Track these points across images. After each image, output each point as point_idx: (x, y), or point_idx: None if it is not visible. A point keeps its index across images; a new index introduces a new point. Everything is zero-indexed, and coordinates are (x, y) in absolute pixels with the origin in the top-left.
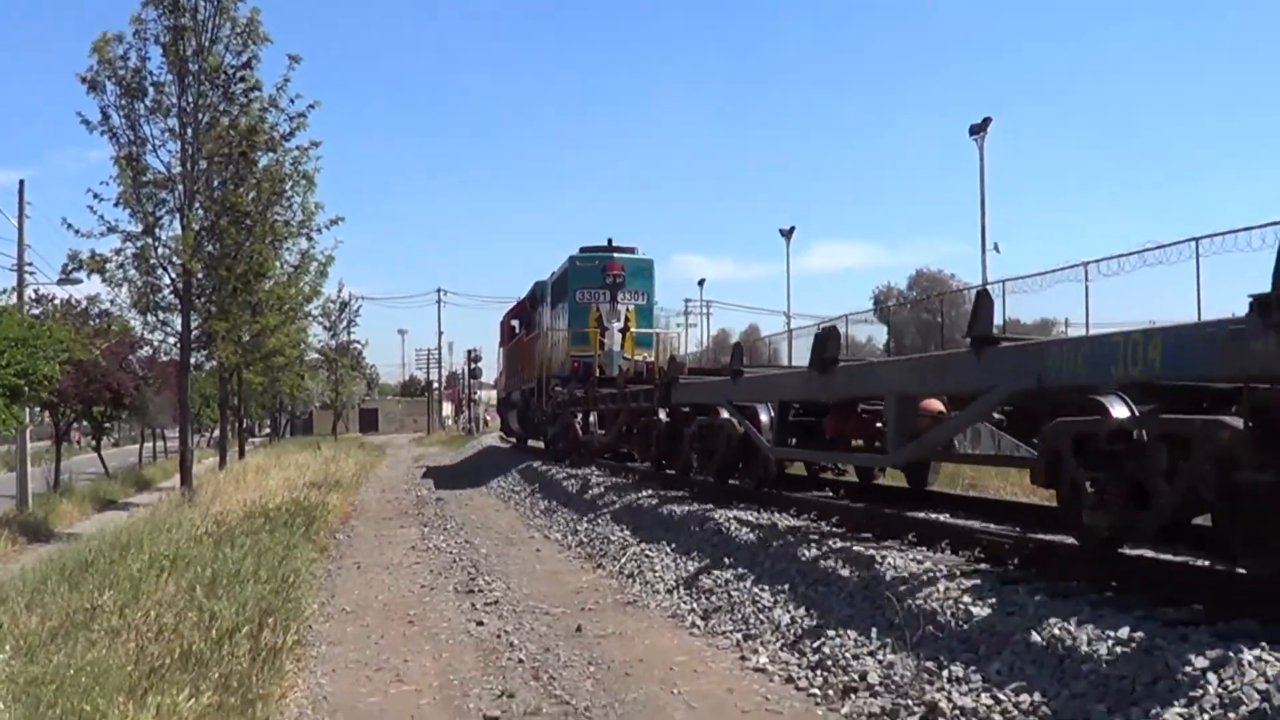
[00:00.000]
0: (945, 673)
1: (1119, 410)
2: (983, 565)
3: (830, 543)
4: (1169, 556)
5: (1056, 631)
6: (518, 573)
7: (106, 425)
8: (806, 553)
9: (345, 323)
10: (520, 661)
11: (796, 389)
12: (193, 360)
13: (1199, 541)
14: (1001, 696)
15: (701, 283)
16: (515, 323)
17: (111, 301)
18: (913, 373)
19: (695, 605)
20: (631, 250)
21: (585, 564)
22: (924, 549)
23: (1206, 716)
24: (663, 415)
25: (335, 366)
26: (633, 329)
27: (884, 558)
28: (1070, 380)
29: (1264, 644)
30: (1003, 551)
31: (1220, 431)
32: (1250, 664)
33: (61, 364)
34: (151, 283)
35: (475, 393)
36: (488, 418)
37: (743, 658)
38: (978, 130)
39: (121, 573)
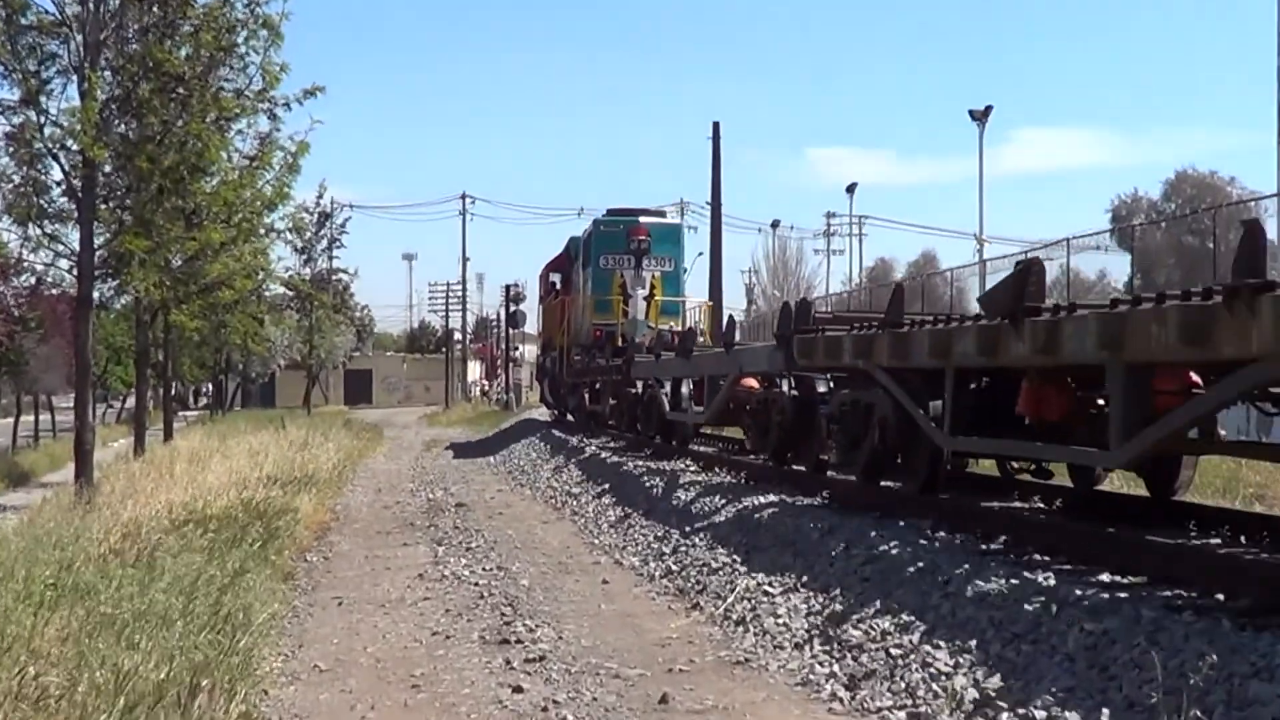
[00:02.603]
0: None
1: None
2: None
3: (1038, 578)
4: None
5: None
6: (574, 615)
7: None
8: (996, 587)
9: (326, 243)
10: None
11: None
12: (97, 295)
13: None
14: None
15: (851, 189)
16: (555, 277)
17: None
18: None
19: (836, 667)
20: (660, 214)
21: (675, 602)
22: (1182, 588)
23: None
24: (640, 387)
25: (310, 307)
26: (658, 297)
27: (1129, 607)
28: None
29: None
30: None
31: None
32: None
33: None
34: (35, 178)
35: (516, 348)
36: (529, 387)
37: None
38: None
39: None
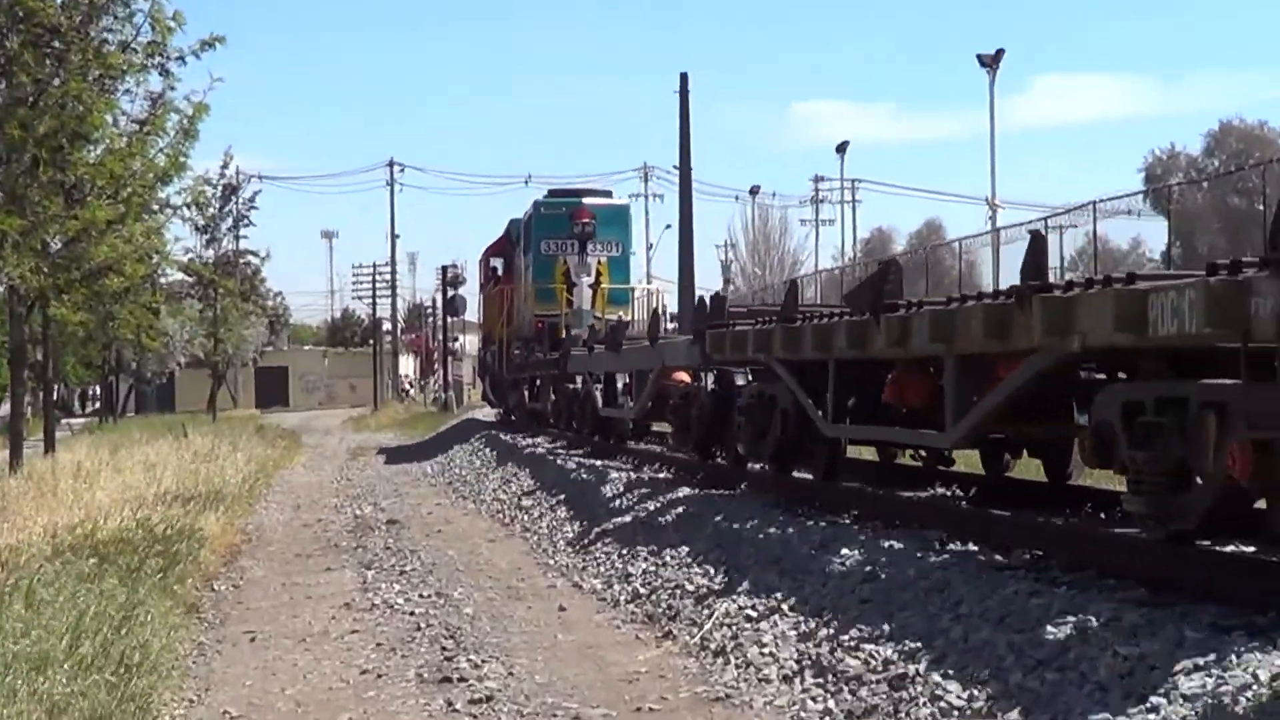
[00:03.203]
0: None
1: None
2: None
3: (1069, 596)
4: None
5: None
6: (527, 647)
7: None
8: (1022, 600)
9: (232, 221)
10: None
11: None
12: None
13: None
14: None
15: (842, 148)
16: (496, 263)
17: None
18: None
19: (833, 704)
20: (606, 194)
21: (643, 630)
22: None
23: None
24: (579, 383)
25: (214, 295)
26: (605, 284)
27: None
28: None
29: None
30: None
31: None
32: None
33: None
34: None
35: (455, 339)
36: (470, 383)
37: None
38: None
39: None
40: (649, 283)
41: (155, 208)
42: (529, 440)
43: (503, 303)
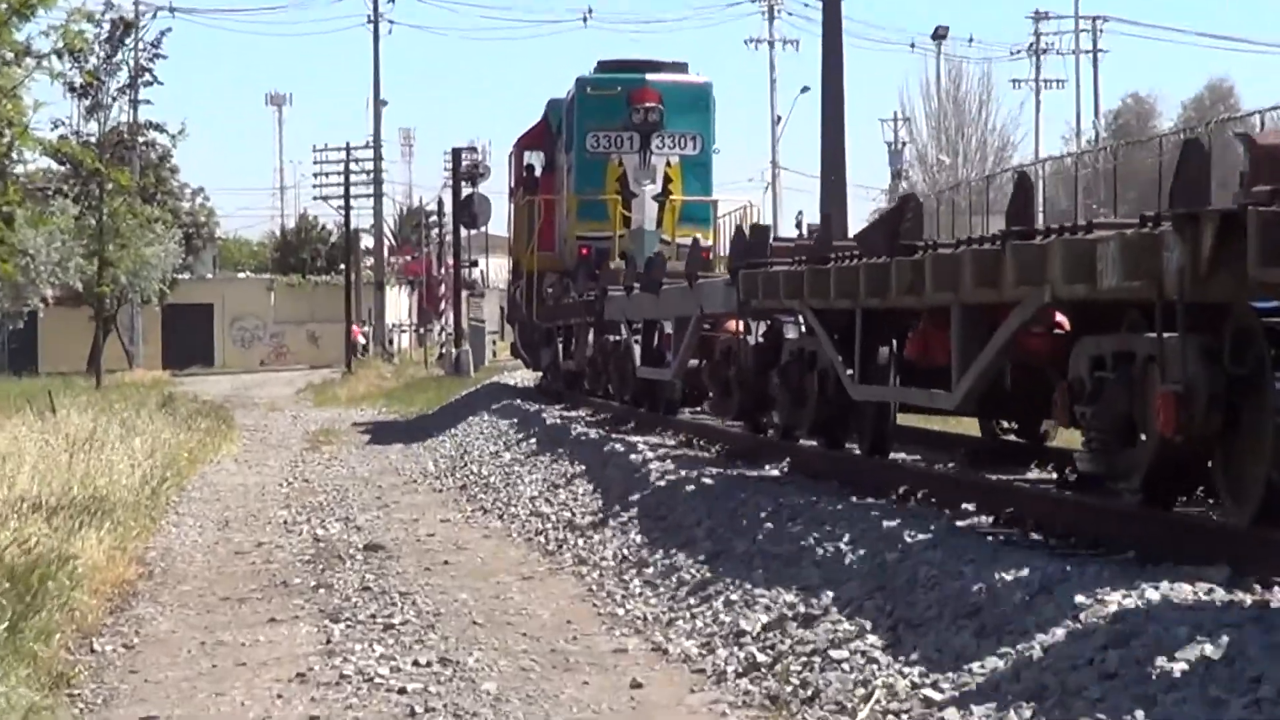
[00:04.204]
0: None
1: None
2: None
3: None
4: None
5: None
6: None
7: None
8: None
9: (128, 77)
10: None
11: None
12: None
13: None
14: None
15: None
16: (534, 159)
17: None
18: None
19: None
20: (678, 68)
21: None
22: None
23: None
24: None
25: (99, 193)
26: (677, 195)
27: None
28: None
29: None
30: None
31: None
32: None
33: None
34: None
35: (473, 264)
36: (497, 331)
37: None
38: None
39: None
40: (774, 172)
41: (7, 55)
42: (575, 415)
43: (538, 217)
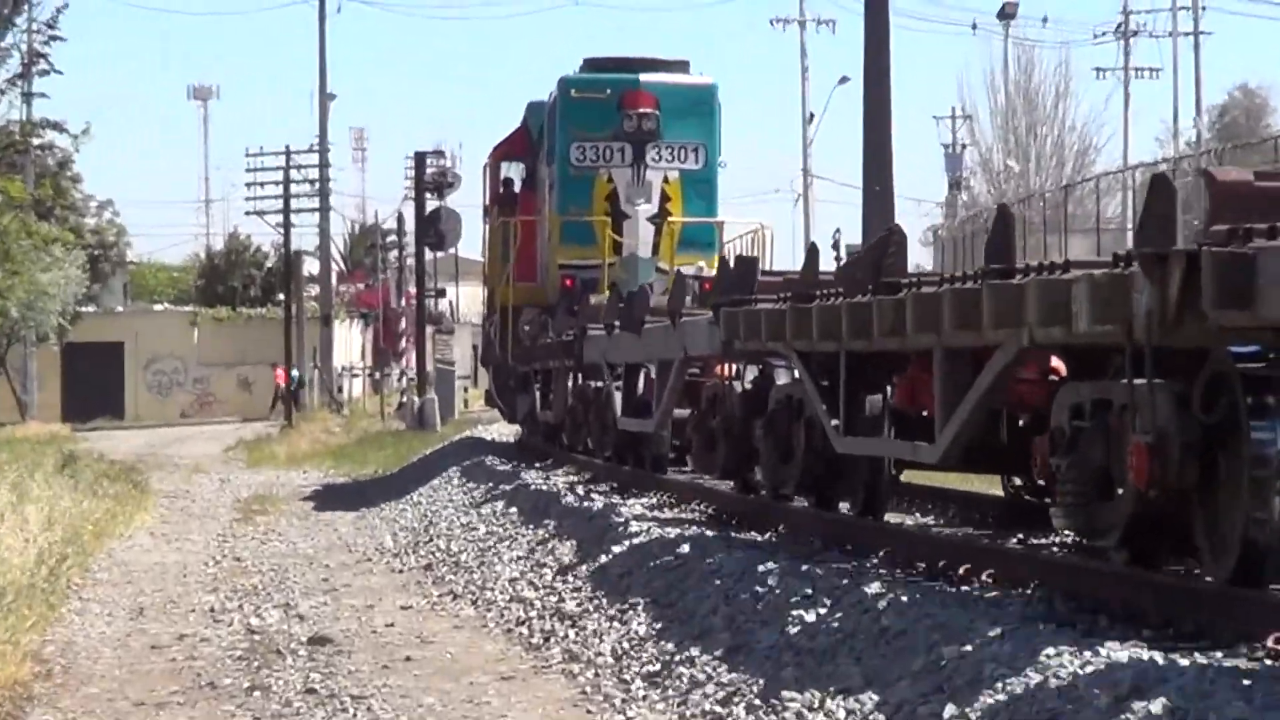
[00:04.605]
0: None
1: None
2: None
3: None
4: None
5: None
6: None
7: None
8: None
9: (19, 66)
10: None
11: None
12: None
13: None
14: None
15: None
16: (512, 171)
17: None
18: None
19: None
20: (677, 67)
21: None
22: None
23: None
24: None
25: None
26: (675, 217)
27: None
28: None
29: None
30: None
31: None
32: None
33: None
34: None
35: (440, 293)
36: (469, 376)
37: None
38: None
39: None
40: (805, 181)
41: None
42: (565, 478)
43: (514, 241)
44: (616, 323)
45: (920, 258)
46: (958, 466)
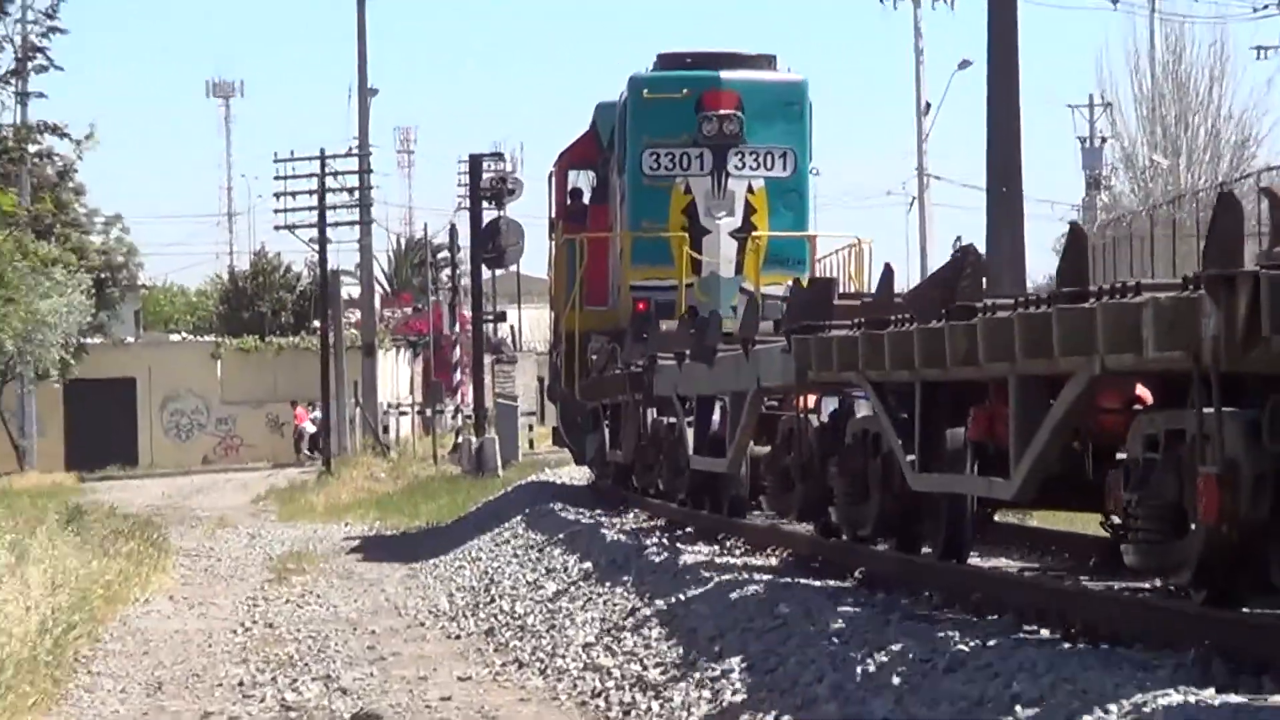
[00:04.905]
0: None
1: None
2: None
3: None
4: None
5: None
6: None
7: None
8: None
9: (14, 62)
10: None
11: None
12: None
13: None
14: None
15: None
16: (582, 179)
17: None
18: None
19: None
20: (763, 62)
21: None
22: None
23: None
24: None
25: None
26: (761, 231)
27: None
28: None
29: None
30: None
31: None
32: None
33: None
34: None
35: (498, 320)
36: (534, 412)
37: None
38: None
39: None
40: (921, 182)
41: None
42: (637, 524)
43: (580, 260)
44: (687, 351)
45: (1055, 267)
46: (1030, 502)
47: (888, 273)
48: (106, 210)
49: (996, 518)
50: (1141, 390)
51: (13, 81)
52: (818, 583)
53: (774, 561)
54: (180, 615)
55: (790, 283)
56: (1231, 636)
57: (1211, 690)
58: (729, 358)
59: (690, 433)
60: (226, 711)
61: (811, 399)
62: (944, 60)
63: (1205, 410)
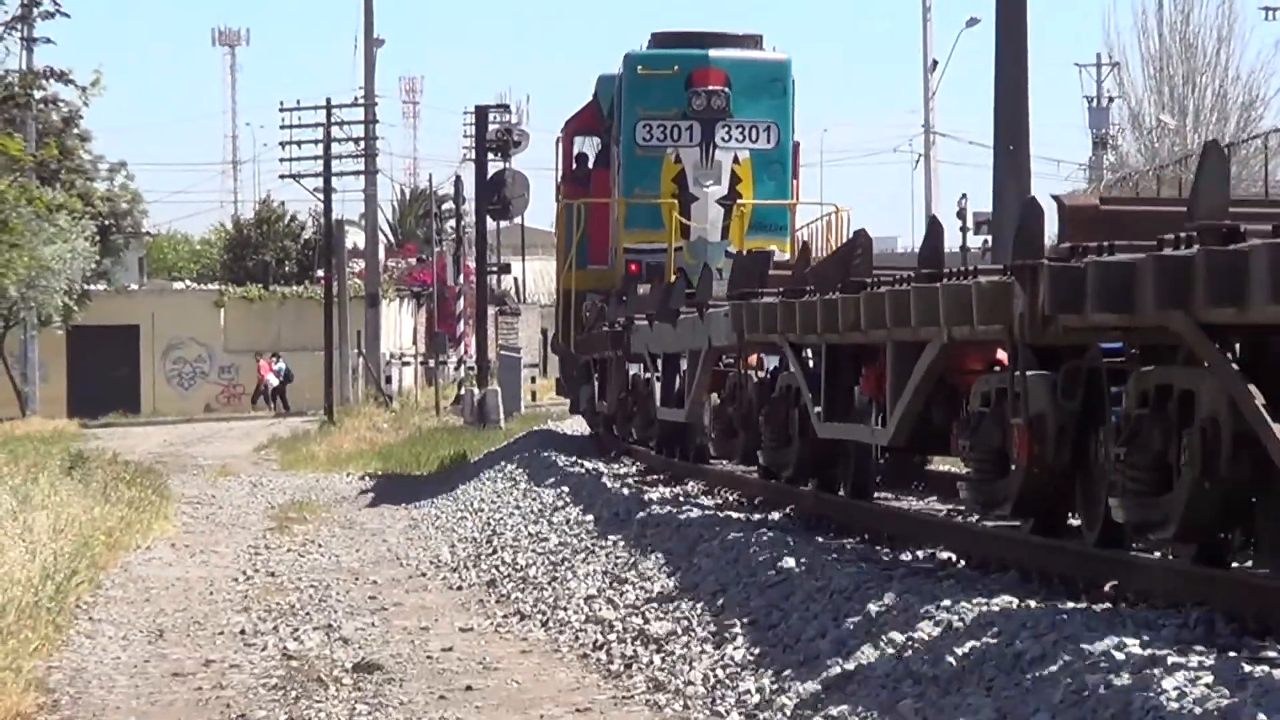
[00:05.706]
0: None
1: None
2: None
3: None
4: None
5: None
6: None
7: None
8: None
9: (17, 13)
10: None
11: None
12: None
13: None
14: None
15: None
16: (585, 146)
17: None
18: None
19: None
20: (748, 41)
21: None
22: None
23: None
24: (638, 372)
25: None
26: (746, 199)
27: None
28: None
29: None
30: None
31: None
32: None
33: None
34: None
35: (502, 271)
36: (537, 364)
37: None
38: None
39: None
40: (927, 140)
41: None
42: (640, 472)
43: (577, 224)
44: (653, 313)
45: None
46: (903, 447)
47: (805, 249)
48: (111, 157)
49: (943, 468)
50: (1001, 354)
51: (18, 28)
52: (758, 516)
53: (733, 499)
54: (182, 563)
55: (772, 247)
56: (1048, 560)
57: (1032, 601)
58: (688, 319)
59: (658, 386)
60: (228, 660)
61: (755, 358)
62: (952, 17)
63: (1018, 374)
